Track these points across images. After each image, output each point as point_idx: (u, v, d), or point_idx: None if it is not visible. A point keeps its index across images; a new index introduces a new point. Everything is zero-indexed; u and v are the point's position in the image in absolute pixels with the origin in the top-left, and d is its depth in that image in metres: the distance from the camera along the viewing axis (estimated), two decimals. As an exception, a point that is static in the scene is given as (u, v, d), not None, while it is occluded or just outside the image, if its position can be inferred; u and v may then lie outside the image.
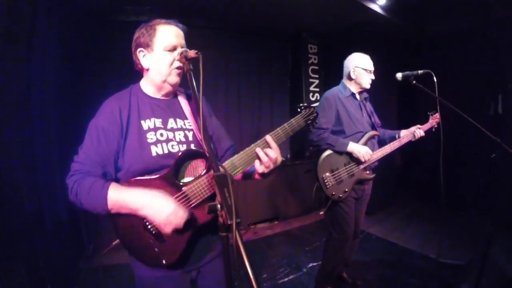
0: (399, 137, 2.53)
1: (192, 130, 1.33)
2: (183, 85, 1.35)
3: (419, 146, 3.17)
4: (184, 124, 1.33)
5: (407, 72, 2.16)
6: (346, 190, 2.34)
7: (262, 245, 3.82)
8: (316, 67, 5.38)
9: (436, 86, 2.08)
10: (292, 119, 1.35)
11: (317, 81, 5.38)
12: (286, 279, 3.00)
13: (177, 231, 1.08)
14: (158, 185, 1.13)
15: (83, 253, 3.38)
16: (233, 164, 1.20)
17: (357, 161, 2.35)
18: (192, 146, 1.29)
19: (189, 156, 1.20)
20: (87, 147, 1.18)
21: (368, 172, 2.43)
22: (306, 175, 4.83)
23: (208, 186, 1.15)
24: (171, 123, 1.30)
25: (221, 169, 0.91)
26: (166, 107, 1.32)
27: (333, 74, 5.20)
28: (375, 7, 4.08)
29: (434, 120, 2.59)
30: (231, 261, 0.89)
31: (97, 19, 3.73)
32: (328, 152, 2.34)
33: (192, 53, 1.13)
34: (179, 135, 1.29)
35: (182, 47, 1.26)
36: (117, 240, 1.20)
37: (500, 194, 3.97)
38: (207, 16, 4.25)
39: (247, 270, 0.71)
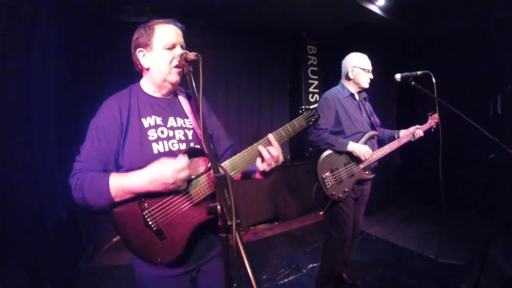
0: (398, 137, 2.54)
1: (192, 129, 1.34)
2: (183, 85, 1.36)
3: (418, 146, 3.18)
4: (184, 123, 1.34)
5: (406, 73, 2.16)
6: (346, 190, 2.34)
7: (262, 246, 3.83)
8: (316, 68, 5.39)
9: (435, 86, 2.09)
10: (294, 120, 1.36)
11: (316, 82, 5.39)
12: (286, 280, 3.01)
13: (175, 237, 1.09)
14: None
15: (82, 253, 3.38)
16: (233, 164, 1.21)
17: (357, 160, 2.35)
18: (192, 145, 1.29)
19: (190, 154, 1.21)
20: (88, 147, 1.20)
21: (367, 172, 2.43)
22: (306, 175, 4.83)
23: (208, 185, 1.17)
24: (171, 121, 1.31)
25: (221, 170, 0.92)
26: (166, 106, 1.33)
27: (332, 75, 5.20)
28: (374, 8, 4.09)
29: (433, 120, 2.61)
30: (231, 262, 0.90)
31: (97, 19, 3.73)
32: (328, 152, 2.35)
33: (192, 55, 1.14)
34: (179, 134, 1.30)
35: (181, 45, 1.27)
36: (117, 237, 1.20)
37: (500, 194, 3.98)
38: (206, 16, 4.26)
39: (247, 271, 0.71)
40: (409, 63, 5.24)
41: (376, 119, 2.62)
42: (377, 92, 4.12)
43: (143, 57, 1.28)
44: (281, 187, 4.67)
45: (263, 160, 1.23)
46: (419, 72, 2.14)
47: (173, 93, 1.39)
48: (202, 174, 1.18)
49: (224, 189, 0.85)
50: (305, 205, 4.89)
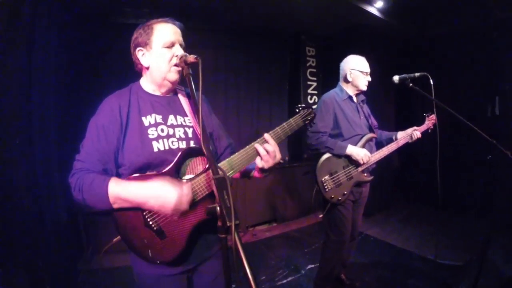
0: (396, 139, 2.55)
1: (192, 127, 1.35)
2: (183, 84, 1.37)
3: (416, 148, 3.18)
4: (184, 121, 1.35)
5: (404, 75, 2.17)
6: (345, 193, 2.35)
7: (261, 247, 3.83)
8: (314, 70, 5.41)
9: (433, 88, 2.10)
10: (290, 119, 1.39)
11: (315, 84, 5.41)
12: (285, 281, 3.01)
13: (175, 237, 1.10)
14: None
15: (82, 254, 3.38)
16: (232, 163, 1.22)
17: (355, 163, 2.36)
18: (192, 143, 1.31)
19: (189, 153, 1.22)
20: (87, 145, 1.20)
21: (366, 174, 2.44)
22: (304, 177, 4.85)
23: (207, 184, 1.17)
24: (171, 119, 1.31)
25: (220, 172, 0.93)
26: (166, 104, 1.34)
27: (331, 76, 5.22)
28: (372, 9, 4.11)
29: (430, 121, 2.62)
30: (230, 262, 0.90)
31: (97, 21, 3.74)
32: (326, 155, 2.35)
33: (191, 58, 1.15)
34: (179, 132, 1.31)
35: (180, 43, 1.28)
36: (118, 237, 1.21)
37: (498, 195, 3.99)
38: (206, 18, 4.27)
39: (246, 271, 0.72)
40: (408, 64, 5.28)
41: (373, 121, 2.63)
42: (375, 93, 4.13)
43: (143, 56, 1.29)
44: (280, 189, 4.68)
45: (261, 157, 1.26)
46: (417, 74, 2.15)
47: (173, 91, 1.40)
48: (200, 174, 1.19)
49: (223, 191, 0.86)
50: (304, 207, 4.89)
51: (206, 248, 1.32)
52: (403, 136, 2.53)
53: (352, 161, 2.36)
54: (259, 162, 1.27)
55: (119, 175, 1.22)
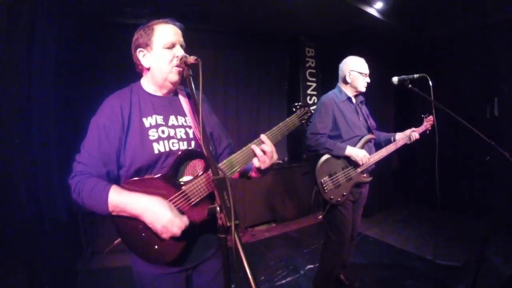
0: (394, 140, 2.56)
1: (192, 127, 1.36)
2: (184, 84, 1.37)
3: (415, 149, 3.19)
4: (185, 121, 1.36)
5: (403, 76, 2.18)
6: (344, 193, 2.36)
7: (260, 248, 3.83)
8: (314, 71, 5.42)
9: (432, 89, 2.11)
10: (287, 119, 1.41)
11: (314, 85, 5.41)
12: (284, 281, 3.02)
13: (174, 238, 1.11)
14: (158, 185, 1.15)
15: (81, 254, 3.37)
16: (231, 163, 1.23)
17: (354, 164, 2.37)
18: (193, 144, 1.31)
19: (188, 155, 1.23)
20: (88, 146, 1.20)
21: (365, 175, 2.45)
22: (303, 177, 4.86)
23: (206, 185, 1.18)
24: (172, 120, 1.32)
25: (220, 173, 0.93)
26: (167, 104, 1.35)
27: (330, 77, 5.24)
28: (372, 11, 4.12)
29: (428, 122, 2.64)
30: (229, 262, 0.91)
31: (97, 21, 3.75)
32: (326, 156, 2.36)
33: (191, 59, 1.16)
34: (180, 132, 1.31)
35: (180, 44, 1.29)
36: (119, 239, 1.21)
37: (496, 196, 4.00)
38: (205, 19, 4.28)
39: (246, 271, 0.72)
40: (407, 66, 5.30)
41: (372, 122, 2.63)
42: (374, 94, 4.15)
43: (144, 57, 1.29)
44: (279, 189, 4.68)
45: (258, 158, 1.27)
46: (416, 75, 2.15)
47: (174, 91, 1.41)
48: (200, 175, 1.20)
49: (223, 191, 0.86)
50: (303, 207, 4.90)
51: (205, 248, 1.33)
52: (401, 137, 2.54)
53: (351, 162, 2.37)
54: (256, 163, 1.28)
55: (119, 177, 1.23)
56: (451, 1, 3.83)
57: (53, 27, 2.80)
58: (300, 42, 5.25)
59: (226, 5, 3.81)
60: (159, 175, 1.17)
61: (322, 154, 2.36)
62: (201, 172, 1.21)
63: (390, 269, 3.20)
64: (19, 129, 2.24)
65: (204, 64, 1.08)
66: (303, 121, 1.45)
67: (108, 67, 3.76)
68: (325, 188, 2.32)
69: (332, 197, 2.33)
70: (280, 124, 1.37)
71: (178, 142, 1.28)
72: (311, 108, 1.54)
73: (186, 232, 1.11)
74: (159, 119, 1.29)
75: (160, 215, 1.06)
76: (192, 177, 1.20)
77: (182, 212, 1.16)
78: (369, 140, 2.45)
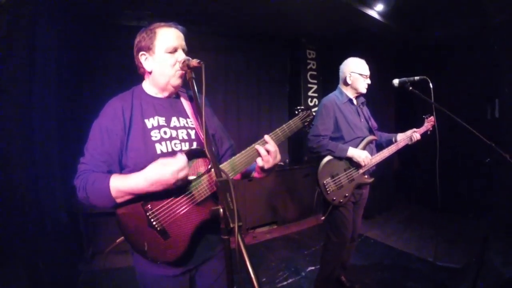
0: (395, 140, 2.57)
1: (194, 128, 1.37)
2: (185, 87, 1.39)
3: (416, 150, 3.20)
4: (187, 123, 1.37)
5: (404, 78, 2.19)
6: (346, 195, 2.36)
7: (261, 249, 3.83)
8: (315, 73, 5.43)
9: (432, 92, 2.11)
10: (290, 121, 1.43)
11: (315, 87, 5.43)
12: (285, 282, 3.02)
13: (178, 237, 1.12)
14: None
15: (82, 255, 3.38)
16: (233, 164, 1.25)
17: (356, 166, 2.38)
18: (194, 145, 1.32)
19: (191, 155, 1.24)
20: (91, 147, 1.22)
21: (366, 176, 2.45)
22: (305, 179, 4.86)
23: (209, 185, 1.19)
24: (174, 121, 1.33)
25: (223, 175, 0.94)
26: (169, 106, 1.36)
27: (331, 79, 5.25)
28: (373, 13, 4.13)
29: (429, 123, 2.65)
30: (232, 264, 0.92)
31: (98, 23, 3.77)
32: (328, 158, 2.37)
33: (194, 62, 1.16)
34: (182, 133, 1.32)
35: (182, 48, 1.30)
36: (121, 238, 1.22)
37: (497, 197, 4.00)
38: (207, 21, 4.30)
39: (249, 273, 0.73)
40: (407, 66, 5.30)
41: (373, 123, 2.64)
42: (375, 95, 4.16)
43: (146, 61, 1.30)
44: (280, 191, 4.68)
45: (261, 158, 1.28)
46: (416, 78, 2.16)
47: (175, 94, 1.42)
48: (203, 174, 1.21)
49: (226, 193, 0.87)
50: (304, 209, 4.90)
51: (208, 248, 1.34)
52: (402, 138, 2.55)
53: (353, 164, 2.38)
54: (259, 162, 1.29)
55: None
56: (451, 2, 3.84)
57: (54, 28, 2.82)
58: (301, 44, 5.26)
59: (226, 7, 3.83)
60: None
61: (324, 156, 2.37)
62: (204, 172, 1.22)
63: (391, 270, 3.20)
64: (20, 130, 2.26)
65: (205, 66, 1.10)
66: (305, 123, 1.47)
67: (109, 68, 3.77)
68: (328, 189, 2.33)
69: (334, 198, 2.34)
70: (283, 126, 1.39)
71: (180, 143, 1.29)
72: (313, 110, 1.56)
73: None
74: (161, 120, 1.30)
75: (164, 176, 1.07)
76: (195, 177, 1.21)
77: (185, 212, 1.18)
78: (370, 141, 2.46)
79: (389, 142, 2.58)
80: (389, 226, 4.52)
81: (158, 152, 1.23)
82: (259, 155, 1.28)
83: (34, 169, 2.39)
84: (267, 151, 1.27)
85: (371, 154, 2.42)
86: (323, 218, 2.49)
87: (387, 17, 4.31)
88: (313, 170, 2.41)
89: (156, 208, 1.16)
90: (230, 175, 1.22)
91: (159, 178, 1.07)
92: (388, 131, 2.75)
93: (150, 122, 1.28)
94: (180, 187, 1.15)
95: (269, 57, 5.28)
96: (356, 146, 2.39)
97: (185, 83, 1.29)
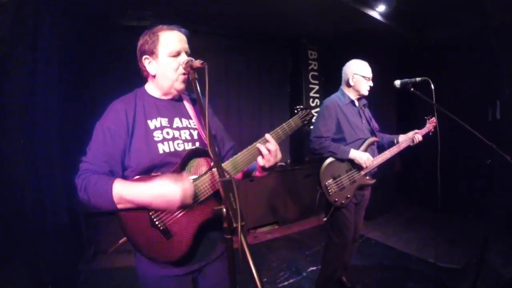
0: (397, 142, 2.57)
1: (196, 129, 1.38)
2: (187, 89, 1.39)
3: (418, 151, 3.20)
4: (189, 123, 1.38)
5: (405, 80, 2.19)
6: (348, 196, 2.37)
7: (262, 249, 3.84)
8: (316, 73, 5.43)
9: (434, 93, 2.12)
10: (290, 120, 1.44)
11: (317, 87, 5.43)
12: (286, 283, 3.02)
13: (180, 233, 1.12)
14: None
15: (83, 255, 3.39)
16: (235, 163, 1.25)
17: (358, 167, 2.38)
18: (197, 145, 1.33)
19: (194, 154, 1.25)
20: (94, 148, 1.22)
21: (368, 177, 2.46)
22: (306, 180, 4.86)
23: (211, 184, 1.20)
24: (176, 122, 1.34)
25: (226, 175, 0.95)
26: (171, 107, 1.37)
27: (333, 80, 5.26)
28: (375, 14, 4.13)
29: (431, 124, 2.65)
30: (235, 263, 0.92)
31: (100, 23, 3.78)
32: (330, 159, 2.37)
33: (197, 63, 1.17)
34: (185, 134, 1.33)
35: (185, 51, 1.30)
36: (124, 238, 1.22)
37: (497, 198, 4.00)
38: (208, 21, 4.30)
39: (252, 273, 0.74)
40: (409, 67, 5.29)
41: (375, 125, 2.64)
42: (376, 96, 4.15)
43: (149, 64, 1.30)
44: (281, 191, 4.69)
45: (262, 156, 1.29)
46: (418, 79, 2.17)
47: (178, 96, 1.43)
48: (205, 173, 1.22)
49: (229, 193, 0.88)
50: (305, 209, 4.90)
51: (211, 248, 1.34)
52: (404, 140, 2.55)
53: (355, 165, 2.38)
54: (260, 161, 1.30)
55: (125, 177, 1.24)
56: (452, 2, 3.84)
57: (56, 28, 2.83)
58: (303, 44, 5.26)
59: (227, 7, 3.83)
60: (166, 173, 1.19)
61: (326, 157, 2.38)
62: (206, 171, 1.23)
63: (391, 271, 3.20)
64: (22, 129, 2.26)
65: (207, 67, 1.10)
66: (305, 122, 1.49)
67: (111, 68, 3.79)
68: (330, 190, 2.34)
69: (336, 199, 2.34)
70: (283, 124, 1.40)
71: (183, 143, 1.30)
72: (314, 110, 1.57)
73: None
74: (164, 121, 1.31)
75: (173, 195, 1.07)
76: (197, 176, 1.22)
77: (187, 211, 1.18)
78: (372, 143, 2.46)
79: (391, 144, 2.59)
80: (390, 227, 4.52)
81: (161, 151, 1.24)
82: (260, 153, 1.29)
83: (34, 169, 2.40)
84: (268, 150, 1.28)
85: (373, 155, 2.42)
86: (325, 219, 2.49)
87: (389, 17, 4.31)
88: (314, 171, 2.42)
89: None
90: (232, 173, 1.22)
91: (166, 193, 1.07)
92: (390, 132, 2.76)
93: (153, 123, 1.28)
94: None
95: (270, 58, 5.28)
96: (358, 148, 2.39)
97: (188, 86, 1.29)
